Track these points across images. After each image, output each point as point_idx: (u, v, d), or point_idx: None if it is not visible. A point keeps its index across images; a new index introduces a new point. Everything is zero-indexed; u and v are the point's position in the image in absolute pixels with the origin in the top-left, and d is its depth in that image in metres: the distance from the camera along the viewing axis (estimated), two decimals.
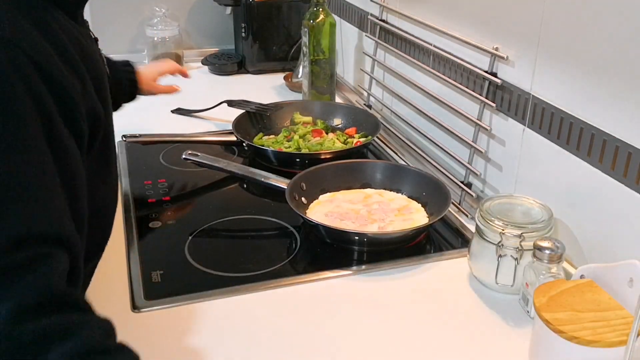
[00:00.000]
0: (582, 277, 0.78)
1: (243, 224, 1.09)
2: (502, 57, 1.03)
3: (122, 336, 0.81)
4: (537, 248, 0.82)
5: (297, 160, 1.28)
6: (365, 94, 1.60)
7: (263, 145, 1.33)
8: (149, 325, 0.83)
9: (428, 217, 1.06)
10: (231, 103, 1.50)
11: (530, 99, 0.98)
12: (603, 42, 0.82)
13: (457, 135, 1.17)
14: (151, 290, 0.89)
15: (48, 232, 0.58)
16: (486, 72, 1.07)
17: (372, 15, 1.52)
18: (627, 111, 0.80)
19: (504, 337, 0.82)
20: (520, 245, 0.85)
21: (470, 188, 1.12)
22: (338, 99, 1.68)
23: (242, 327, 0.83)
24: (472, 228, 0.95)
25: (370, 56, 1.55)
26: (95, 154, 0.72)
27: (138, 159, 1.31)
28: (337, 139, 1.36)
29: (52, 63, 0.62)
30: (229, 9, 1.98)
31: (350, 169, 1.18)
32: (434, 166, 1.23)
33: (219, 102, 1.53)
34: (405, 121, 1.38)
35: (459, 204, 1.12)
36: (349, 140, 1.38)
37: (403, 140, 1.36)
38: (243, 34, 1.88)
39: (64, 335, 0.54)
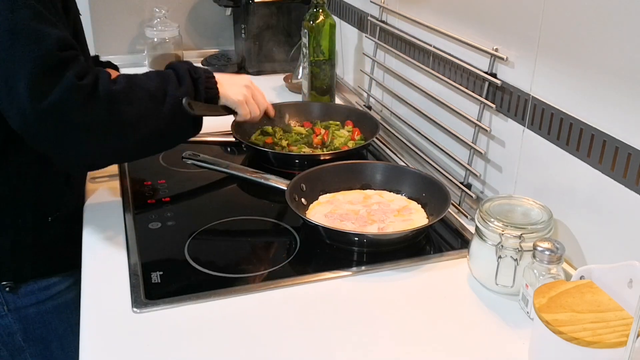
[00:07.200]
0: (581, 278, 0.78)
1: (243, 224, 1.09)
2: (502, 58, 1.03)
3: (122, 336, 0.81)
4: (537, 249, 0.82)
5: (297, 161, 1.28)
6: (365, 95, 1.60)
7: (260, 145, 1.33)
8: (149, 326, 0.83)
9: (428, 218, 1.06)
10: None
11: (530, 99, 0.98)
12: (603, 42, 0.82)
13: (456, 136, 1.17)
14: (151, 290, 0.89)
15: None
16: (486, 73, 1.07)
17: (371, 16, 1.52)
18: (627, 112, 0.80)
19: (503, 338, 0.82)
20: (520, 246, 0.85)
21: (470, 189, 1.12)
22: (338, 100, 1.68)
23: (242, 328, 0.82)
24: (472, 229, 0.95)
25: (370, 57, 1.55)
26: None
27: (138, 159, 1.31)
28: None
29: None
30: (228, 10, 1.99)
31: (350, 169, 1.17)
32: (434, 167, 1.23)
33: None
34: (405, 122, 1.38)
35: (459, 205, 1.12)
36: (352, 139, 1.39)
37: (403, 141, 1.36)
38: (243, 35, 1.88)
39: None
